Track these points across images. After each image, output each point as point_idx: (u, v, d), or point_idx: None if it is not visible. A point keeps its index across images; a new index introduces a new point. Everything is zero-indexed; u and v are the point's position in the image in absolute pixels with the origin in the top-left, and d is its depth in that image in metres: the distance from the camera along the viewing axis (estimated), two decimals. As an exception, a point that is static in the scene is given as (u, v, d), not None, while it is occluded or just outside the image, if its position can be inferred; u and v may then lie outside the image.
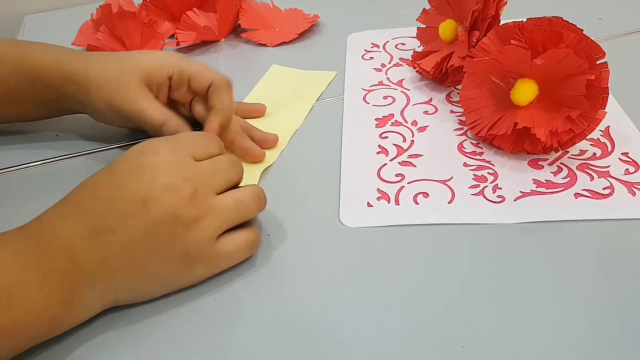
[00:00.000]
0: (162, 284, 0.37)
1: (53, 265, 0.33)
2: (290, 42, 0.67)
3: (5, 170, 0.50)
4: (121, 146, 0.52)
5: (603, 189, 0.43)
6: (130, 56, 0.49)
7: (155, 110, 0.47)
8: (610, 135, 0.48)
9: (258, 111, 0.55)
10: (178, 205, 0.35)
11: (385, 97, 0.56)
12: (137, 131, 0.54)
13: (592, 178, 0.44)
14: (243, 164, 0.42)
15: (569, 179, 0.44)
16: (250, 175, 0.47)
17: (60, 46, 0.51)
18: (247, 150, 0.49)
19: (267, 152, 0.49)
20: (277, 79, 0.60)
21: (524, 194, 0.43)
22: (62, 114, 0.53)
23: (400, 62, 0.61)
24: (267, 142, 0.51)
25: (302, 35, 0.68)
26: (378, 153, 0.49)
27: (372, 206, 0.43)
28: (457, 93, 0.55)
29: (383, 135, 0.51)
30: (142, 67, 0.48)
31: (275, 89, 0.59)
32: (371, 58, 0.63)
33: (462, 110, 0.50)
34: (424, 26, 0.59)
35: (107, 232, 0.34)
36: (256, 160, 0.49)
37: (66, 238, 0.34)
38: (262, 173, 0.48)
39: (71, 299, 0.33)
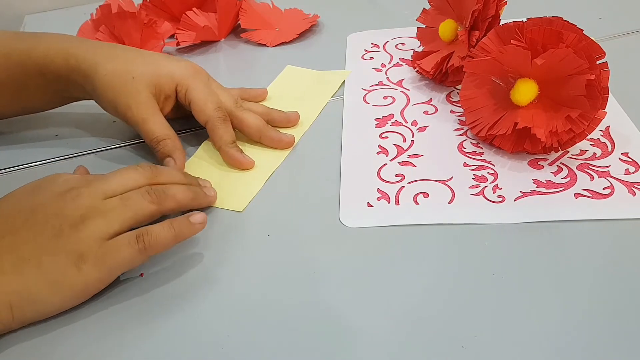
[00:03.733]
0: (54, 286, 0.35)
1: None
2: (290, 42, 0.67)
3: (5, 170, 0.50)
4: (121, 146, 0.52)
5: (603, 189, 0.43)
6: (144, 59, 0.49)
7: (157, 125, 0.48)
8: (610, 135, 0.48)
9: (261, 96, 0.56)
10: (63, 207, 0.36)
11: (385, 97, 0.56)
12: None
13: (592, 178, 0.44)
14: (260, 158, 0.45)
15: (569, 179, 0.44)
16: (259, 174, 0.48)
17: (67, 35, 0.51)
18: (275, 141, 0.50)
19: (275, 153, 0.50)
20: (291, 79, 0.60)
21: (524, 194, 0.43)
22: (73, 102, 0.53)
23: (400, 62, 0.61)
24: (289, 121, 0.53)
25: (302, 35, 0.68)
26: (378, 153, 0.49)
27: (372, 206, 0.43)
28: (457, 93, 0.55)
29: (383, 135, 0.51)
30: (153, 76, 0.48)
31: (289, 89, 0.59)
32: (371, 58, 0.63)
33: (462, 110, 0.50)
34: (424, 26, 0.59)
35: None
36: (289, 146, 0.50)
37: None
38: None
39: None
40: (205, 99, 0.49)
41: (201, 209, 0.43)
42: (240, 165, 0.48)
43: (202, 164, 0.49)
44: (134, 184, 0.40)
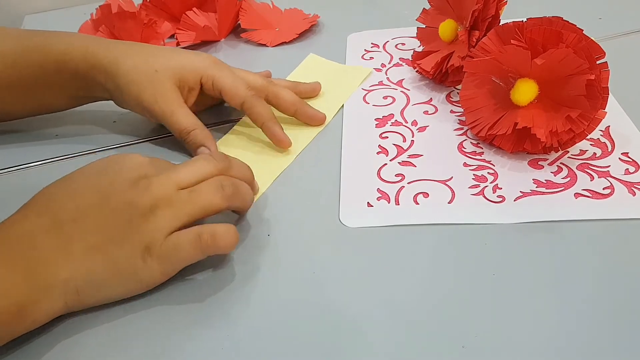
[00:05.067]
0: (120, 276, 0.36)
1: (14, 254, 0.34)
2: (290, 42, 0.67)
3: (6, 170, 0.50)
4: (121, 146, 0.52)
5: (603, 189, 0.43)
6: (164, 53, 0.49)
7: (184, 117, 0.48)
8: (610, 135, 0.48)
9: (315, 90, 0.56)
10: (134, 196, 0.36)
11: (385, 97, 0.56)
12: (139, 131, 0.54)
13: (592, 178, 0.44)
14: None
15: (569, 178, 0.44)
16: (269, 170, 0.48)
17: (83, 34, 0.51)
18: (309, 117, 0.52)
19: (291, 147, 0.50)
20: (313, 69, 0.60)
21: (524, 194, 0.43)
22: (89, 102, 0.53)
23: (400, 62, 0.61)
24: (314, 90, 0.55)
25: (302, 35, 0.68)
26: (378, 153, 0.49)
27: (372, 206, 0.43)
28: (457, 93, 0.55)
29: (383, 135, 0.51)
30: (176, 68, 0.48)
31: (310, 80, 0.58)
32: (371, 58, 0.63)
33: (462, 110, 0.50)
34: (424, 26, 0.59)
35: (68, 222, 0.35)
36: (321, 123, 0.52)
37: (27, 230, 0.35)
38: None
39: (35, 286, 0.34)
40: (235, 82, 0.49)
41: None
42: (280, 142, 0.49)
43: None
44: (206, 175, 0.39)
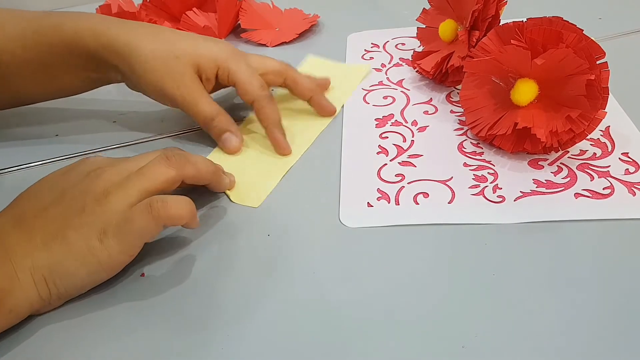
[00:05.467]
0: (80, 260, 0.36)
1: None
2: (290, 42, 0.67)
3: (5, 170, 0.50)
4: (121, 146, 0.52)
5: (603, 189, 0.43)
6: (183, 39, 0.49)
7: (207, 104, 0.48)
8: (610, 135, 0.48)
9: (324, 87, 0.56)
10: (88, 184, 0.38)
11: (385, 97, 0.56)
12: (139, 131, 0.54)
13: (592, 178, 0.44)
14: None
15: (569, 179, 0.44)
16: (275, 171, 0.48)
17: (97, 14, 0.51)
18: (323, 107, 0.52)
19: (294, 148, 0.50)
20: (313, 71, 0.60)
21: (524, 194, 0.43)
22: (104, 84, 0.53)
23: (400, 62, 0.61)
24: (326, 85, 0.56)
25: (302, 35, 0.68)
26: (378, 153, 0.49)
27: (372, 206, 0.43)
28: (457, 93, 0.55)
29: (383, 135, 0.51)
30: (195, 57, 0.48)
31: None
32: (371, 58, 0.63)
33: (462, 110, 0.50)
34: (424, 26, 0.59)
35: (30, 217, 0.37)
36: (329, 115, 0.53)
37: None
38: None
39: (7, 272, 0.35)
40: (250, 79, 0.49)
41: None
42: (281, 149, 0.49)
43: (220, 158, 0.49)
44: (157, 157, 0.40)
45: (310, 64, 0.62)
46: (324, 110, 0.53)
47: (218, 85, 0.51)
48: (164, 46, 0.48)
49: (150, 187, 0.38)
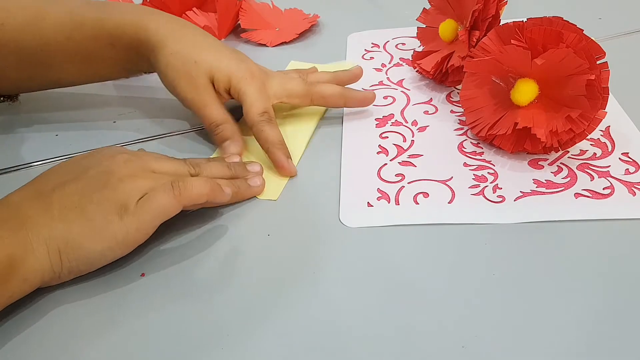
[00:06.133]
0: (97, 234, 0.37)
1: (1, 216, 0.37)
2: (290, 42, 0.67)
3: (5, 170, 0.50)
4: (121, 146, 0.52)
5: (603, 189, 0.43)
6: (207, 45, 0.50)
7: (215, 110, 0.49)
8: (610, 135, 0.48)
9: (357, 76, 0.56)
10: (113, 166, 0.39)
11: (385, 97, 0.56)
12: (139, 131, 0.54)
13: (592, 178, 0.44)
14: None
15: (569, 178, 0.44)
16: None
17: (138, 6, 0.52)
18: (361, 100, 0.53)
19: (292, 148, 0.49)
20: None
21: (524, 194, 0.43)
22: (139, 75, 0.55)
23: (401, 62, 0.61)
24: (356, 75, 0.55)
25: (302, 35, 0.68)
26: (378, 153, 0.49)
27: (372, 206, 0.43)
28: (457, 93, 0.55)
29: (383, 135, 0.51)
30: (212, 68, 0.49)
31: None
32: (371, 58, 0.63)
33: (462, 110, 0.50)
34: (424, 26, 0.59)
35: (50, 191, 0.38)
36: (371, 102, 0.53)
37: (15, 200, 0.38)
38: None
39: (22, 239, 0.35)
40: (254, 103, 0.49)
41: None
42: (283, 170, 0.47)
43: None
44: (181, 172, 0.42)
45: (292, 67, 0.61)
46: (364, 102, 0.53)
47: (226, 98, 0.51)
48: (188, 49, 0.49)
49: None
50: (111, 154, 0.41)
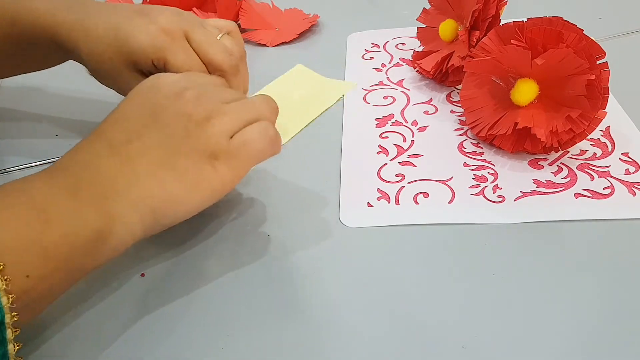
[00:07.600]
0: (193, 187, 0.35)
1: (78, 182, 0.34)
2: (290, 42, 0.67)
3: (5, 170, 0.50)
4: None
5: (603, 189, 0.43)
6: (117, 30, 0.43)
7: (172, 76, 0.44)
8: (610, 135, 0.48)
9: (246, 91, 0.49)
10: (183, 107, 0.36)
11: (385, 97, 0.56)
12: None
13: (592, 178, 0.44)
14: None
15: (569, 179, 0.44)
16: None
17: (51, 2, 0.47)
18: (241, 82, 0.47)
19: (287, 122, 0.48)
20: (297, 79, 0.60)
21: (524, 194, 0.43)
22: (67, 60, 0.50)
23: (401, 62, 0.61)
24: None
25: (302, 35, 0.68)
26: (378, 153, 0.49)
27: (372, 206, 0.43)
28: (458, 93, 0.55)
29: (383, 135, 0.51)
30: (127, 53, 0.43)
31: (292, 88, 0.58)
32: (371, 58, 0.63)
33: (463, 110, 0.50)
34: (424, 26, 0.59)
35: (123, 143, 0.35)
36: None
37: (86, 159, 0.35)
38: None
39: (107, 211, 0.33)
40: (192, 64, 0.43)
41: None
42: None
43: None
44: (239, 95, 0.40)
45: (297, 71, 0.61)
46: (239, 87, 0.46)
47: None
48: (102, 46, 0.44)
49: (254, 120, 0.38)
50: (175, 90, 0.37)
